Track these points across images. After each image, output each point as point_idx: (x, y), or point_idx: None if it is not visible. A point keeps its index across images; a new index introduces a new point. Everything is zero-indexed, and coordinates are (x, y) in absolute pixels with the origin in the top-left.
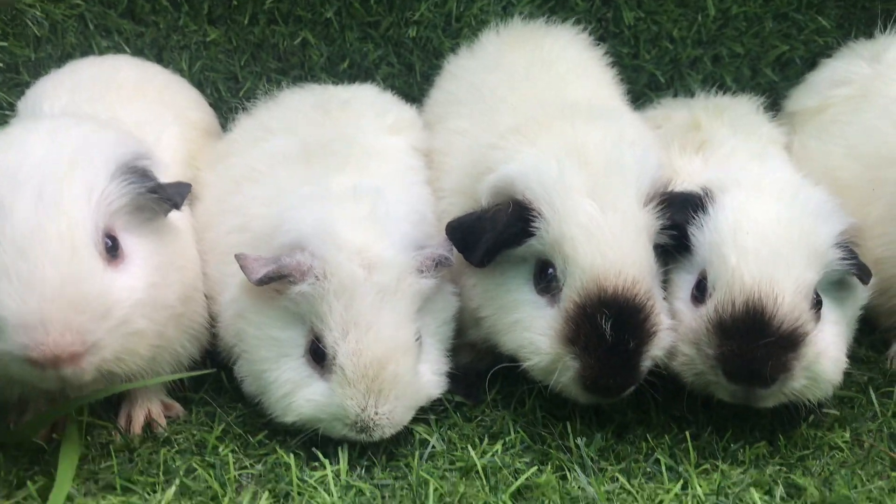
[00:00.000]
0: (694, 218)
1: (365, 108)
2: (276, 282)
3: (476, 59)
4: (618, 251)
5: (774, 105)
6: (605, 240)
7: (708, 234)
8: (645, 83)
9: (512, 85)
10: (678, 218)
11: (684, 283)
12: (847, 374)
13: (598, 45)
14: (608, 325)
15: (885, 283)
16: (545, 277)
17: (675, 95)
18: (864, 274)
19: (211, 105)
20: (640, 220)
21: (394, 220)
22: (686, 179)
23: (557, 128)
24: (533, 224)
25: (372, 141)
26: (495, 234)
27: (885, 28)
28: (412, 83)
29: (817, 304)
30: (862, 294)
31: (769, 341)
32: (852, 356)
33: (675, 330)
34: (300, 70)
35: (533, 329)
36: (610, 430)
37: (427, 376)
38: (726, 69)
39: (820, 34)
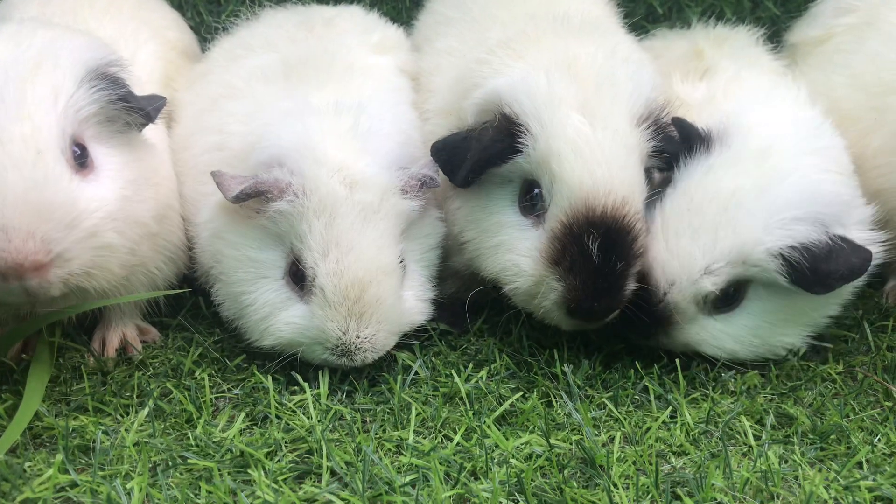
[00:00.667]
0: (686, 156)
1: (350, 26)
2: (253, 199)
3: None
4: (607, 170)
5: (774, 39)
6: (594, 157)
7: (675, 183)
8: (643, 14)
9: (503, 2)
10: (673, 148)
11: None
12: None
13: None
14: (595, 245)
15: (885, 216)
16: (531, 198)
17: (674, 28)
18: (813, 286)
19: (192, 28)
20: (631, 140)
21: (377, 138)
22: (690, 107)
23: (548, 41)
24: (519, 140)
25: (356, 58)
26: (480, 150)
27: None
28: (400, 8)
29: (730, 299)
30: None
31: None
32: None
33: None
34: None
35: (516, 250)
36: (598, 359)
37: (411, 302)
38: (726, 2)
39: None
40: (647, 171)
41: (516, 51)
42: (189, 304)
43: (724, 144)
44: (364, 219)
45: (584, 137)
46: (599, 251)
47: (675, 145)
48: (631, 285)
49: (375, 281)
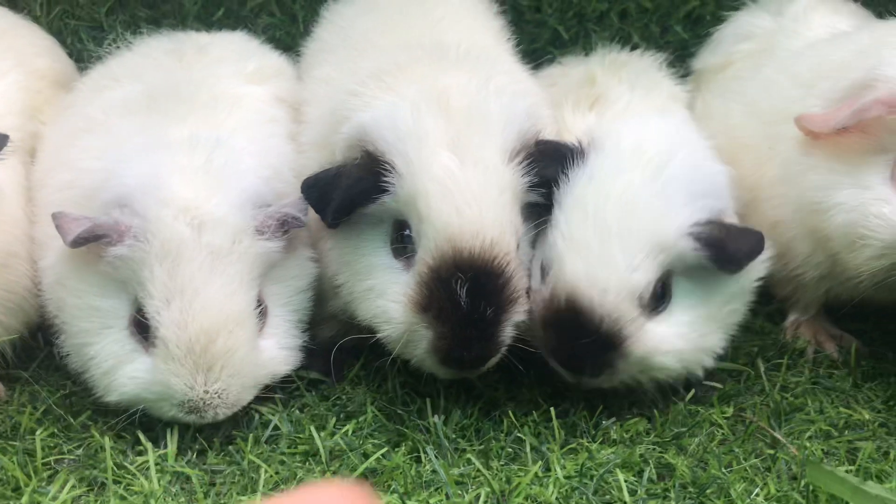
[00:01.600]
0: (564, 174)
1: (224, 53)
2: (93, 243)
3: (352, 4)
4: (476, 209)
5: (685, 64)
6: (462, 196)
7: (561, 202)
8: (548, 39)
9: (384, 29)
10: (548, 173)
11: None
12: (736, 347)
13: None
14: (463, 290)
15: (780, 249)
16: (401, 239)
17: (582, 53)
18: (727, 264)
19: (72, 55)
20: (503, 177)
21: (233, 174)
22: (578, 137)
23: (420, 72)
24: (385, 179)
25: (227, 88)
26: (344, 190)
27: None
28: (295, 34)
29: (660, 296)
30: (755, 269)
31: (587, 342)
32: (746, 326)
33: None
34: (173, 19)
35: (386, 296)
36: (476, 407)
37: (272, 351)
38: (634, 26)
39: None
40: (530, 206)
41: (386, 82)
42: (42, 355)
43: (598, 150)
44: (213, 263)
45: (451, 176)
46: (468, 296)
47: (552, 167)
48: (507, 331)
49: (225, 331)
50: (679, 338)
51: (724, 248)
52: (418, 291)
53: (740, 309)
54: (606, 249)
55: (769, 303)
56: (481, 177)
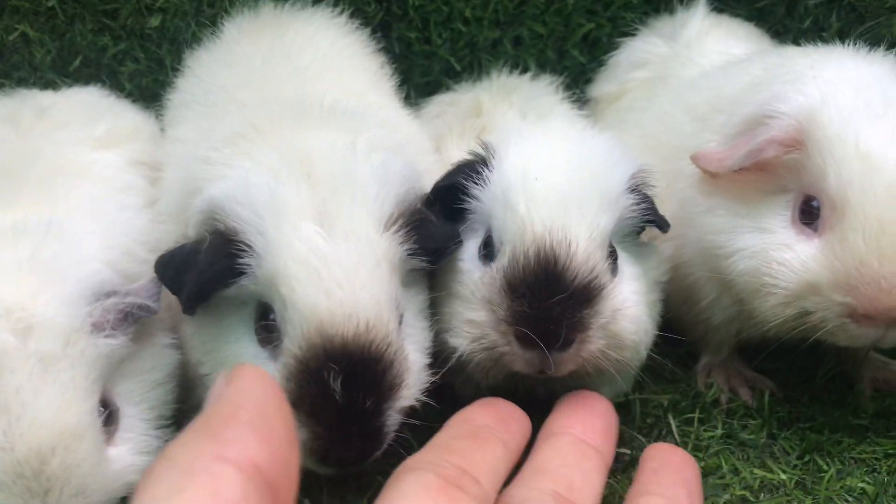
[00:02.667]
0: (475, 177)
1: (69, 116)
2: None
3: (214, 52)
4: (348, 289)
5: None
6: (331, 276)
7: (493, 186)
8: (440, 71)
9: (245, 81)
10: (456, 180)
11: (468, 247)
12: (646, 400)
13: (381, 31)
14: (337, 382)
15: (685, 291)
16: (266, 326)
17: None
18: (661, 222)
19: None
20: (378, 248)
21: (67, 264)
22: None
23: (278, 134)
24: (241, 260)
25: (71, 157)
26: (197, 276)
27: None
28: (163, 81)
29: (612, 256)
30: (662, 262)
31: (563, 297)
32: (656, 373)
33: (464, 297)
34: (25, 70)
35: None
36: (368, 496)
37: (125, 459)
38: (529, 52)
39: (628, 9)
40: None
41: (241, 147)
42: None
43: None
44: (43, 372)
45: (317, 252)
46: (344, 389)
47: (436, 241)
48: (392, 421)
49: (62, 447)
50: (635, 304)
51: (653, 205)
52: (287, 386)
53: (658, 304)
54: (567, 199)
55: (679, 345)
56: (353, 251)
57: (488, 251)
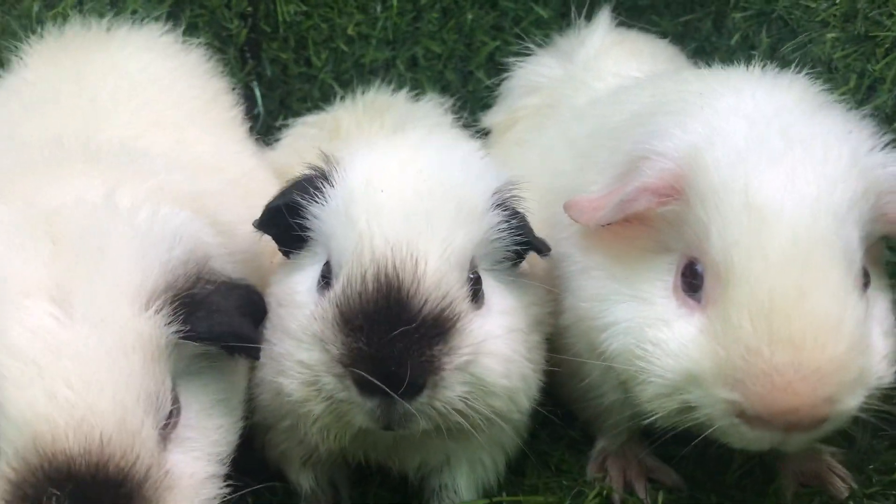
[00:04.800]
0: (314, 194)
1: None
2: None
3: (8, 79)
4: (80, 390)
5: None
6: (58, 372)
7: (334, 202)
8: (321, 97)
9: (26, 115)
10: (290, 198)
11: (306, 277)
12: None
13: (250, 52)
14: None
15: (570, 364)
16: None
17: None
18: (538, 244)
19: None
20: (130, 334)
21: None
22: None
23: (26, 183)
24: None
25: None
26: None
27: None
28: None
29: (476, 284)
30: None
31: (407, 330)
32: (541, 460)
33: (295, 335)
34: None
35: None
36: None
37: None
38: (425, 74)
39: (539, 26)
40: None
41: None
42: None
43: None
44: None
45: (45, 341)
46: None
47: (213, 330)
48: None
49: None
50: (504, 341)
51: (525, 223)
52: None
53: (541, 349)
54: (415, 213)
55: (572, 426)
56: (93, 338)
57: (326, 280)
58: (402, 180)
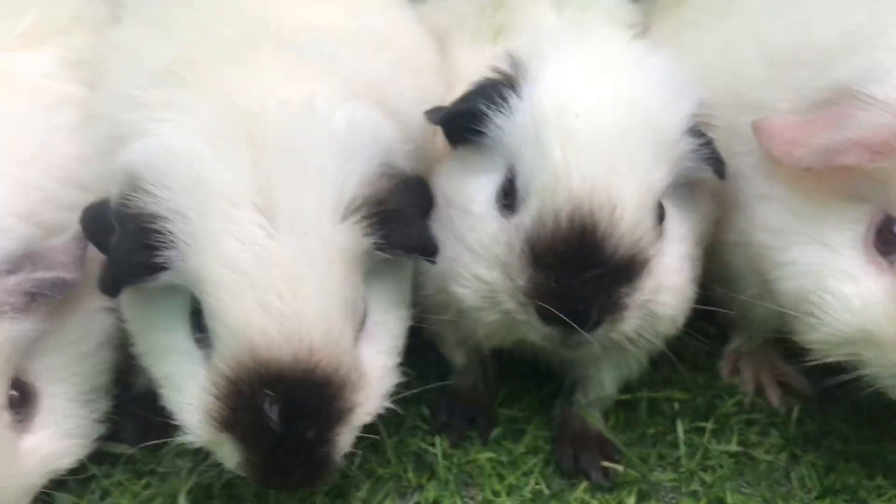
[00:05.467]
0: (498, 103)
1: None
2: None
3: None
4: (290, 302)
5: None
6: (270, 283)
7: (521, 117)
8: None
9: None
10: (474, 106)
11: (483, 185)
12: (654, 400)
13: None
14: (274, 410)
15: (723, 271)
16: (198, 325)
17: None
18: (721, 168)
19: None
20: (333, 245)
21: None
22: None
23: (219, 79)
24: (161, 253)
25: None
26: (111, 266)
27: None
28: None
29: (660, 216)
30: (711, 210)
31: (599, 273)
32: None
33: (474, 250)
34: None
35: (183, 393)
36: None
37: (45, 446)
38: None
39: None
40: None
41: (173, 91)
42: None
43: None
44: None
45: (253, 253)
46: (281, 418)
47: (407, 243)
48: (341, 445)
49: None
50: (680, 274)
51: (715, 150)
52: (216, 406)
53: (700, 259)
54: (615, 147)
55: (710, 320)
56: (300, 250)
57: (509, 201)
58: (600, 104)
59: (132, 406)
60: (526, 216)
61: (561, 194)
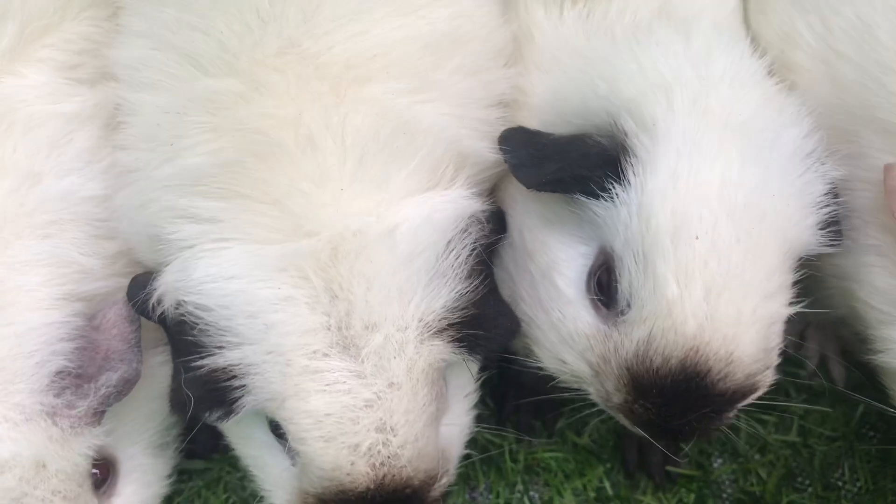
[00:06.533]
0: (599, 184)
1: None
2: None
3: None
4: (380, 440)
5: None
6: (360, 428)
7: (625, 214)
8: None
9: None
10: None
11: (571, 257)
12: None
13: None
14: None
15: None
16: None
17: None
18: (840, 240)
19: None
20: (417, 371)
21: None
22: (548, 46)
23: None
24: (237, 400)
25: None
26: (190, 402)
27: None
28: None
29: None
30: None
31: (705, 412)
32: None
33: (558, 330)
34: None
35: (270, 481)
36: None
37: (135, 501)
38: None
39: None
40: None
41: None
42: None
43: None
44: None
45: (342, 401)
46: None
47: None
48: None
49: None
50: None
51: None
52: None
53: None
54: (737, 283)
55: None
56: (385, 386)
57: (607, 296)
58: (721, 220)
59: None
60: (627, 339)
61: (671, 336)
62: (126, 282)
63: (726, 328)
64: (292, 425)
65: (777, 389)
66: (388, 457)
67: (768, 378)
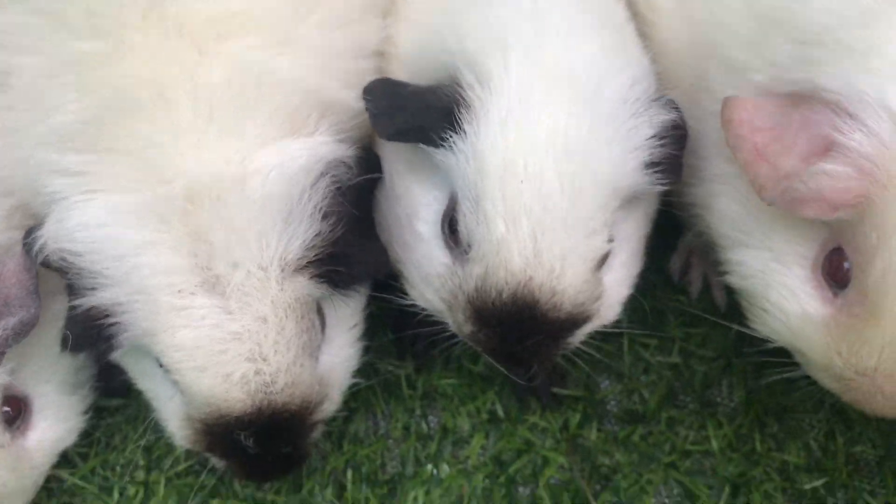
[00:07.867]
0: (441, 133)
1: None
2: None
3: None
4: (251, 369)
5: None
6: (230, 359)
7: (463, 162)
8: None
9: None
10: (416, 136)
11: (428, 203)
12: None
13: None
14: (250, 440)
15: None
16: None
17: None
18: (679, 174)
19: None
20: (283, 306)
21: None
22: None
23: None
24: (114, 338)
25: None
26: (70, 338)
27: None
28: None
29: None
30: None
31: (540, 339)
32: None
33: (422, 268)
34: None
35: (165, 412)
36: None
37: (48, 436)
38: None
39: None
40: None
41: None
42: None
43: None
44: None
45: (210, 335)
46: (258, 443)
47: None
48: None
49: None
50: (625, 286)
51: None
52: (196, 437)
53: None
54: (560, 221)
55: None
56: (252, 320)
57: (454, 236)
58: (549, 163)
59: None
60: (469, 276)
61: (501, 273)
62: None
63: (550, 264)
64: (166, 358)
65: (660, 315)
66: (264, 384)
67: (597, 308)
